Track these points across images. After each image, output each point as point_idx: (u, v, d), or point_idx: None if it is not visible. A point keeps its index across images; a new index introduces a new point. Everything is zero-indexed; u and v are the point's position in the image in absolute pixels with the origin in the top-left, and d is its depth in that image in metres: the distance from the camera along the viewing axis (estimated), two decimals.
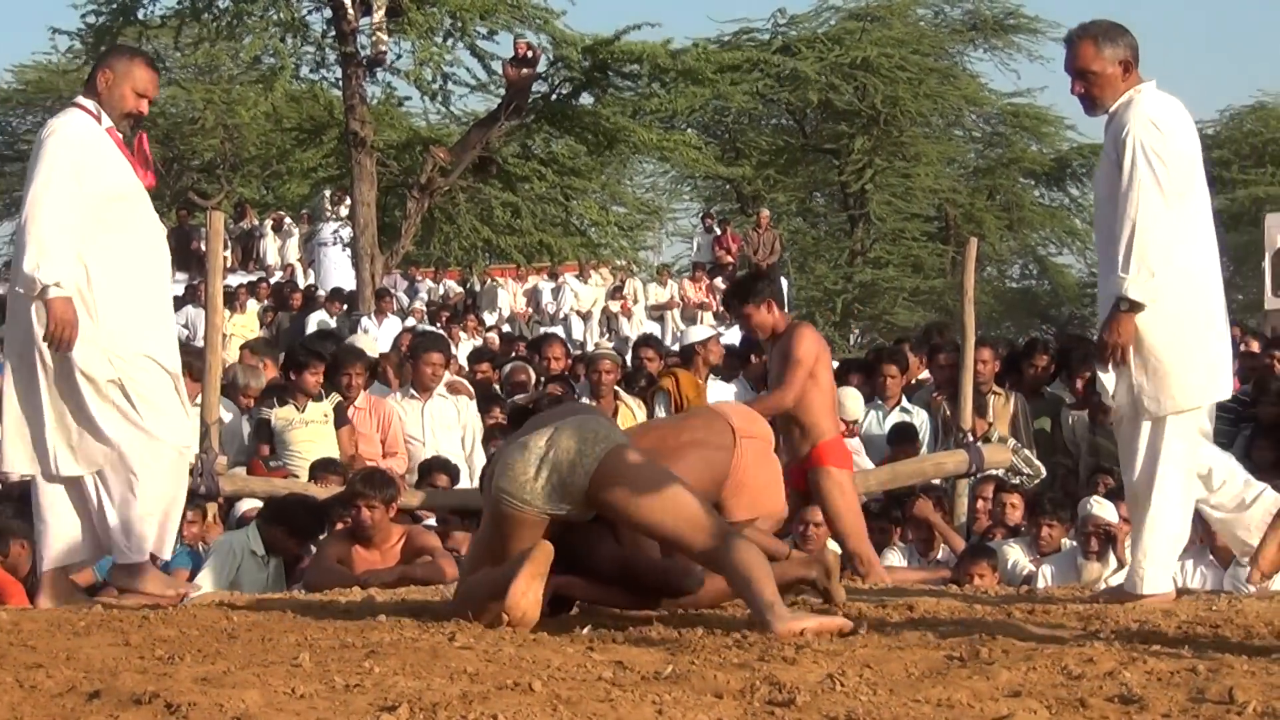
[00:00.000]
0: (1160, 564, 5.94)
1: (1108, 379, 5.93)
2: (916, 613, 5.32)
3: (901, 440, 10.07)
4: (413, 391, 10.36)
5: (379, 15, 20.55)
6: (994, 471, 9.63)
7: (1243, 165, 39.67)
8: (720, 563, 5.02)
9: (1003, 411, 10.32)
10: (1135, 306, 5.77)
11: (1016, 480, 9.82)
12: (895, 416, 10.52)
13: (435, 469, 9.32)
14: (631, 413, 10.37)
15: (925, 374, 11.82)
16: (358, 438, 9.89)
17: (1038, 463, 9.92)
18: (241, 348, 12.23)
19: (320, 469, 9.29)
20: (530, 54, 21.33)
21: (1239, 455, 9.43)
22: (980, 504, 9.33)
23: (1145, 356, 5.86)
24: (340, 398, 9.98)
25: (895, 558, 8.74)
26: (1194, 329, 5.90)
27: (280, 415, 10.11)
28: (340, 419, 9.86)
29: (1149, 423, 5.90)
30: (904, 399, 10.75)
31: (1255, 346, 13.21)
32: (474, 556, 5.45)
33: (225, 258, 15.18)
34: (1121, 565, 8.16)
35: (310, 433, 9.85)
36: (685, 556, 5.20)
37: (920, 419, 10.48)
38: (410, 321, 22.23)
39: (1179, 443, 5.91)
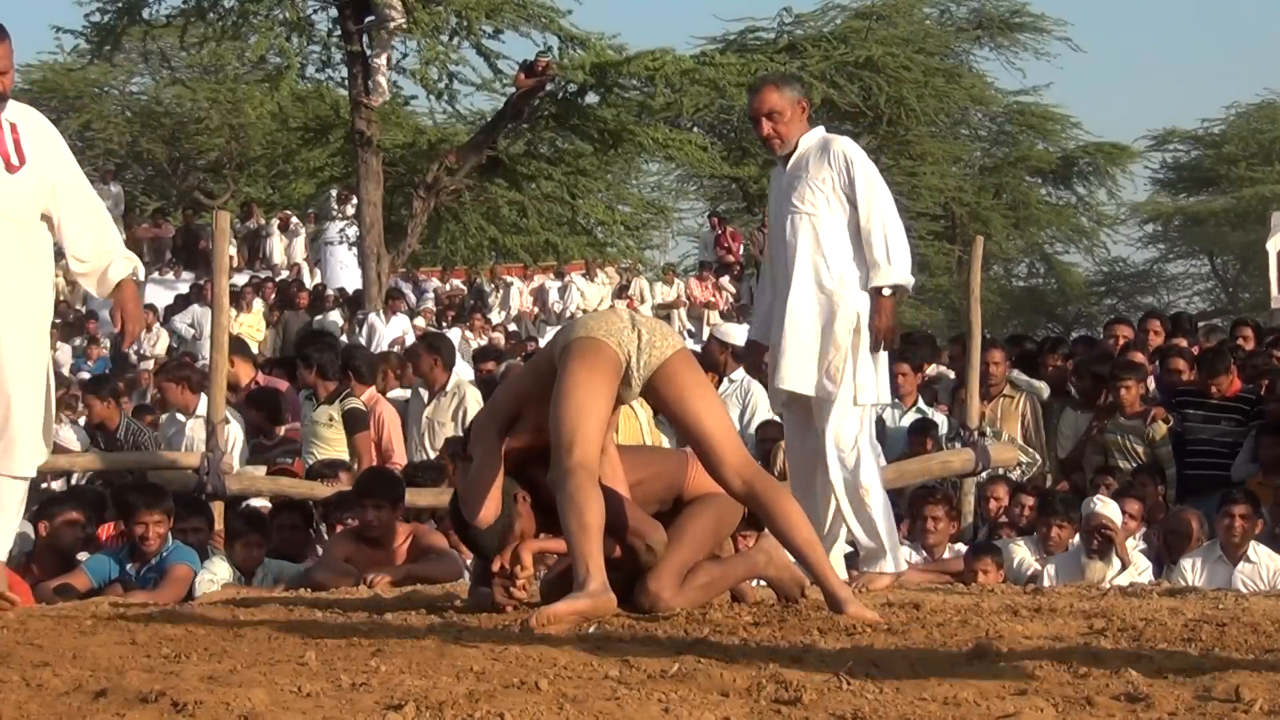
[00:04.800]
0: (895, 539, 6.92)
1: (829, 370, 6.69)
2: (923, 611, 5.32)
3: (919, 433, 10.06)
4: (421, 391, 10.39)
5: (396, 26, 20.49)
6: (1000, 470, 9.64)
7: (1250, 163, 39.65)
8: (754, 481, 5.29)
9: (1012, 413, 10.32)
10: (897, 291, 6.65)
11: (1016, 471, 9.86)
12: (912, 418, 10.49)
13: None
14: (635, 412, 10.36)
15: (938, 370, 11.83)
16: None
17: (1031, 450, 9.97)
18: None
19: (322, 469, 9.28)
20: (545, 70, 21.29)
21: (1247, 457, 9.48)
22: (994, 504, 9.31)
23: (862, 347, 6.70)
24: (359, 402, 9.92)
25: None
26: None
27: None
28: (356, 424, 9.80)
29: (856, 410, 6.71)
30: (920, 399, 10.70)
31: None
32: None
33: (231, 257, 15.21)
34: (1125, 565, 8.17)
35: (310, 432, 9.84)
36: (714, 469, 5.30)
37: (939, 420, 10.44)
38: (420, 321, 22.28)
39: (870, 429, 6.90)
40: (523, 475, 5.42)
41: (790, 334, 6.72)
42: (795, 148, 6.82)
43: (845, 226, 6.73)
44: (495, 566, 5.36)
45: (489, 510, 5.32)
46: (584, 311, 25.05)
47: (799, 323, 6.71)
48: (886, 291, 6.69)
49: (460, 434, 10.00)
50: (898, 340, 7.02)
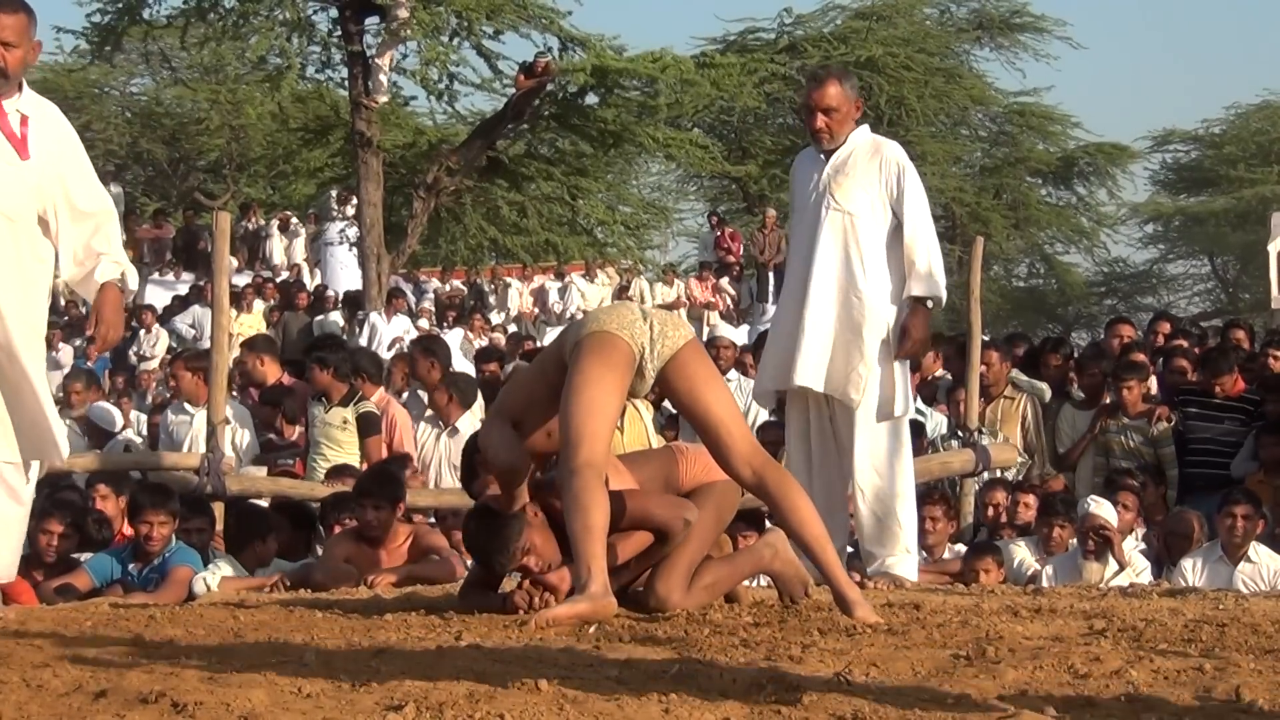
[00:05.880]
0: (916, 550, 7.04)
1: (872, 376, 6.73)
2: (923, 611, 5.31)
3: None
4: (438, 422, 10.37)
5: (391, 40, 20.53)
6: (999, 472, 9.64)
7: (1249, 164, 39.61)
8: (764, 471, 5.26)
9: (1012, 414, 10.32)
10: (935, 304, 6.75)
11: (1011, 471, 9.87)
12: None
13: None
14: (639, 413, 10.35)
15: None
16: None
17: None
18: (242, 345, 12.23)
19: (335, 474, 9.26)
20: (545, 70, 21.27)
21: (1248, 455, 9.49)
22: (992, 511, 9.31)
23: (894, 361, 6.74)
24: (373, 405, 9.88)
25: None
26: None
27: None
28: (370, 427, 9.78)
29: (892, 422, 6.78)
30: (918, 399, 10.67)
31: None
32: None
33: (231, 261, 15.29)
34: (1122, 566, 8.16)
35: (321, 434, 9.82)
36: (724, 458, 5.30)
37: (935, 421, 10.42)
38: (423, 323, 22.28)
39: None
40: (536, 499, 5.41)
41: (811, 330, 6.68)
42: (841, 143, 6.80)
43: (883, 233, 6.73)
44: (535, 565, 5.30)
45: (523, 458, 5.28)
46: (584, 312, 25.05)
47: (820, 319, 6.69)
48: (930, 305, 6.73)
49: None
50: (928, 352, 7.09)
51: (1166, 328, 12.17)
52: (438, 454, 10.29)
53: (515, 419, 5.39)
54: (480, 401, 10.44)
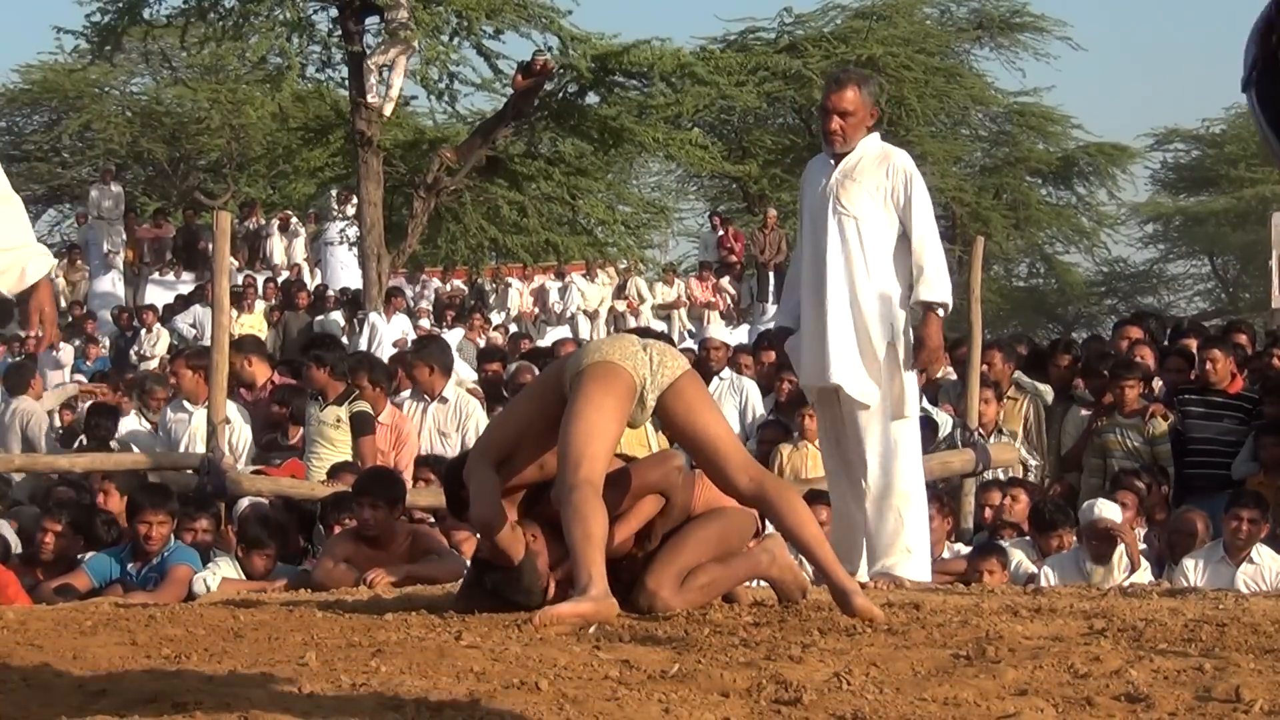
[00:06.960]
0: (926, 551, 7.10)
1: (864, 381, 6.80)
2: (923, 611, 5.31)
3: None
4: (423, 396, 10.37)
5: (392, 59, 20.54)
6: (999, 473, 9.64)
7: (1249, 164, 39.59)
8: (763, 479, 5.39)
9: (1014, 414, 10.32)
10: (944, 310, 6.80)
11: (1032, 476, 9.86)
12: None
13: (423, 465, 9.29)
14: None
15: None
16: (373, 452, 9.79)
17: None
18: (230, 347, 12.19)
19: (339, 471, 9.26)
20: (544, 69, 21.26)
21: (1248, 455, 9.48)
22: (989, 512, 9.31)
23: (905, 363, 6.82)
24: (367, 405, 9.86)
25: None
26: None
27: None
28: (363, 427, 9.77)
29: (901, 422, 6.85)
30: (923, 399, 10.66)
31: None
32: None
33: (231, 261, 15.25)
34: (1135, 567, 8.15)
35: (316, 433, 9.81)
36: (720, 471, 5.38)
37: (942, 420, 10.43)
38: (425, 323, 22.27)
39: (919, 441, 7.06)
40: (533, 514, 5.43)
41: (835, 331, 6.78)
42: (851, 148, 6.88)
43: (889, 239, 6.82)
44: (560, 575, 5.34)
45: (499, 514, 5.32)
46: (584, 312, 25.09)
47: (840, 322, 6.79)
48: (941, 312, 6.81)
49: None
50: (946, 359, 7.14)
51: (1137, 333, 11.91)
52: (425, 425, 10.32)
53: (505, 453, 5.44)
54: (458, 365, 10.44)
